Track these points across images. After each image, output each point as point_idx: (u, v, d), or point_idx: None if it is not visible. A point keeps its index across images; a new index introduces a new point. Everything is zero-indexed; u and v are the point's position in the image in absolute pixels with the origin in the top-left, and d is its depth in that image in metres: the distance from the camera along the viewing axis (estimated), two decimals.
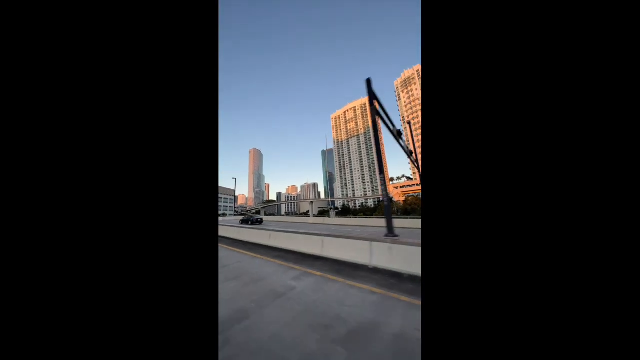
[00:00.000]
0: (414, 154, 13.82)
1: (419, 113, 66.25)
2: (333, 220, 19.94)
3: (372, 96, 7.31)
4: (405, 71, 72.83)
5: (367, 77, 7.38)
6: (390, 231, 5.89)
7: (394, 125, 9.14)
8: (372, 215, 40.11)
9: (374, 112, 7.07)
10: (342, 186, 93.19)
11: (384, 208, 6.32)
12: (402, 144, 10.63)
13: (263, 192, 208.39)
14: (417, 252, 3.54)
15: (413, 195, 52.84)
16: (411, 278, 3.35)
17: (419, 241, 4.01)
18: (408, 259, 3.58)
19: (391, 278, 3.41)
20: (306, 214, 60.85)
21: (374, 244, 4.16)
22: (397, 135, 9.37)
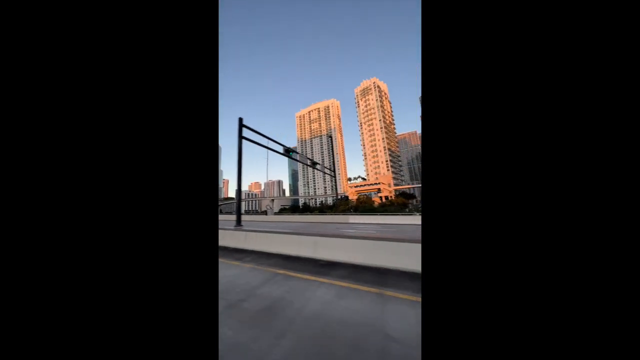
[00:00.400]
0: (328, 165, 17.16)
1: (373, 121, 74.52)
2: (268, 217, 23.19)
3: (241, 130, 9.36)
4: (364, 81, 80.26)
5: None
6: (239, 223, 8.60)
7: (282, 145, 11.73)
8: (326, 212, 43.99)
9: (240, 146, 9.09)
10: (305, 184, 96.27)
11: (236, 206, 9.23)
12: (296, 158, 13.62)
13: (220, 189, 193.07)
14: (243, 234, 6.00)
15: (364, 195, 59.88)
16: (235, 250, 5.77)
17: (248, 227, 6.56)
18: (239, 239, 6.03)
19: (221, 250, 5.76)
20: (266, 212, 61.33)
21: (226, 232, 6.49)
22: (286, 152, 12.16)
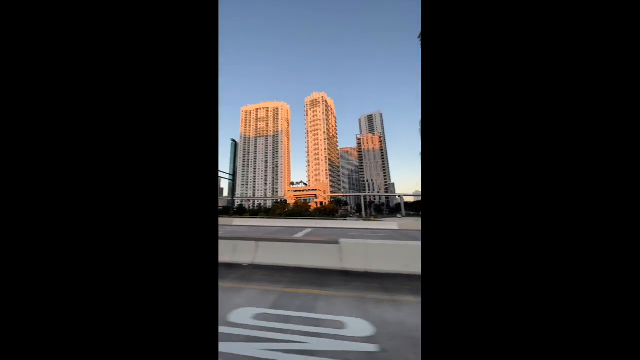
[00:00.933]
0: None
1: (318, 132, 79.81)
2: None
3: None
4: (314, 93, 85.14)
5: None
6: None
7: None
8: (257, 216, 42.37)
9: None
10: (244, 184, 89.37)
11: None
12: None
13: None
14: None
15: (302, 199, 62.13)
16: None
17: None
18: None
19: None
20: None
21: None
22: None
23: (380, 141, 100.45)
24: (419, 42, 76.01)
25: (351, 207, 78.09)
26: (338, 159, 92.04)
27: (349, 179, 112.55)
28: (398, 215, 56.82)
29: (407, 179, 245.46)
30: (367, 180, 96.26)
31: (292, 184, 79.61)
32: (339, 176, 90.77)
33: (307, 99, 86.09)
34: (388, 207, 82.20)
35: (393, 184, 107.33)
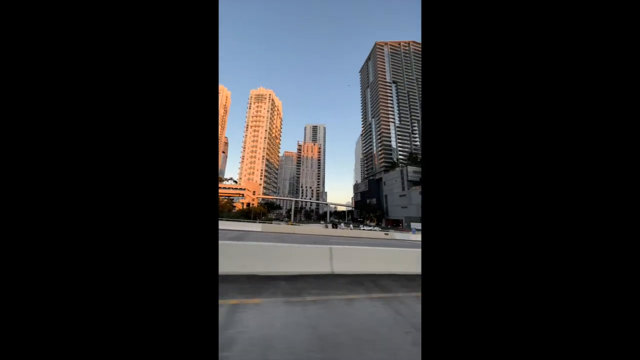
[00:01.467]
0: None
1: (260, 129, 75.45)
2: None
3: None
4: (261, 88, 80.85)
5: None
6: None
7: None
8: None
9: None
10: None
11: None
12: None
13: None
14: None
15: (226, 198, 54.92)
16: None
17: None
18: None
19: None
20: None
21: None
22: None
23: (319, 151, 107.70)
24: (359, 76, 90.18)
25: (286, 212, 77.42)
26: (279, 161, 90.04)
27: (290, 183, 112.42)
28: (321, 222, 61.46)
29: (339, 188, 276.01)
30: (302, 186, 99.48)
31: (221, 179, 69.73)
32: (275, 179, 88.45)
33: (253, 92, 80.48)
34: (317, 214, 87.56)
35: (326, 192, 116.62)
